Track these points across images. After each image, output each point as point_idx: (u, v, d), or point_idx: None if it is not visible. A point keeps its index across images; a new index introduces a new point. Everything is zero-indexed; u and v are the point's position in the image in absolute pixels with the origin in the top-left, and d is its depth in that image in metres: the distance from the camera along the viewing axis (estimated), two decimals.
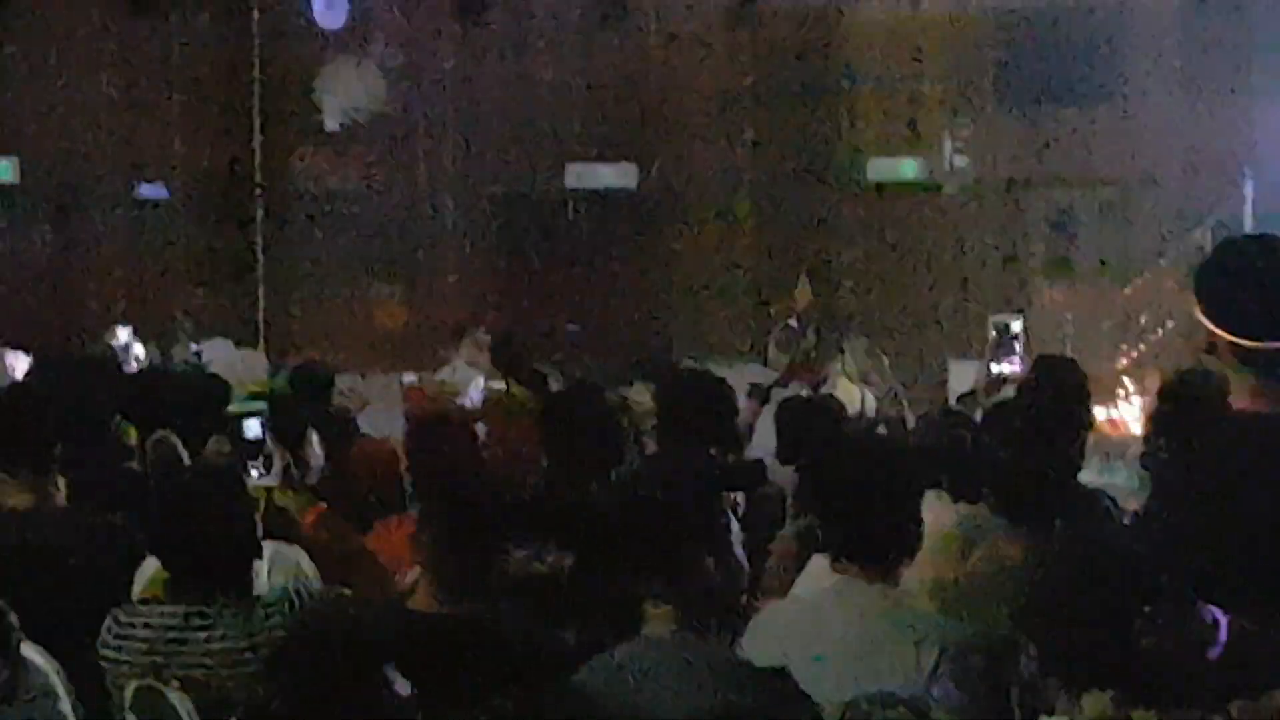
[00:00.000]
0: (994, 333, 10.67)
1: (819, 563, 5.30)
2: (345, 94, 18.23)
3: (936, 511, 5.97)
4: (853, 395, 11.31)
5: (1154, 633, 3.86)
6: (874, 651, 4.62)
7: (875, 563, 4.91)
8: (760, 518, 7.62)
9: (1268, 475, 4.51)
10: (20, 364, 12.57)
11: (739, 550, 6.14)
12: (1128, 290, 15.92)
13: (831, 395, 10.35)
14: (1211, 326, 4.65)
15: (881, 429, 10.20)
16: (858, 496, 4.98)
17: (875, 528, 4.94)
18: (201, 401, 10.68)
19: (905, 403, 11.95)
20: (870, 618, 4.78)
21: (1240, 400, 4.64)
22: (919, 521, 5.06)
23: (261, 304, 18.60)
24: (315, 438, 8.01)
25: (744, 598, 5.93)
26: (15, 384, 10.63)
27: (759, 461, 8.08)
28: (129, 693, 5.17)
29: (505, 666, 4.61)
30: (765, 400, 9.36)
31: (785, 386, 10.50)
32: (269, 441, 7.58)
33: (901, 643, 4.65)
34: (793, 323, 13.64)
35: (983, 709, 4.58)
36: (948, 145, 18.10)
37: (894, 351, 13.68)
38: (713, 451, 7.20)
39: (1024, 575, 5.21)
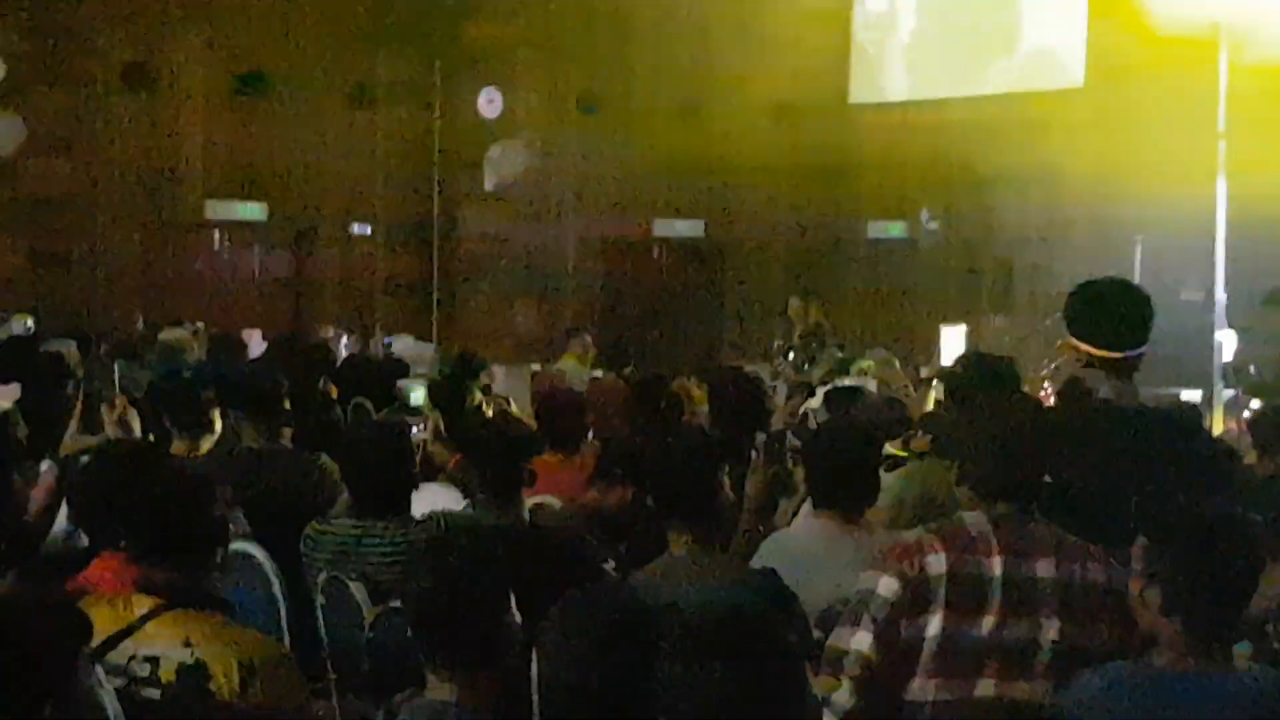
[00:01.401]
0: (940, 342, 10.72)
1: (807, 507, 5.33)
2: (500, 165, 18.29)
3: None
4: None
5: None
6: (842, 572, 4.57)
7: (847, 509, 5.00)
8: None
9: (1122, 448, 4.55)
10: (255, 340, 12.71)
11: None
12: (1048, 321, 15.82)
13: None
14: (1078, 344, 4.68)
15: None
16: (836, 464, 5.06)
17: (847, 485, 5.02)
18: (388, 378, 10.85)
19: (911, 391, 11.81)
20: (840, 549, 4.82)
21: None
22: (877, 479, 5.12)
23: (435, 312, 18.66)
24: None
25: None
26: (257, 360, 10.78)
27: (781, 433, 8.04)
28: (320, 580, 5.25)
29: (577, 573, 4.41)
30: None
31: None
32: (427, 408, 7.69)
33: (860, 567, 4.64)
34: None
35: None
36: (924, 213, 18.04)
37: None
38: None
39: None
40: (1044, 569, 3.80)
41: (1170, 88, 13.84)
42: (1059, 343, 4.77)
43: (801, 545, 4.88)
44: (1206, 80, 12.00)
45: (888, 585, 3.82)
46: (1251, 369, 10.30)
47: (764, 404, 7.69)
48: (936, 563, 3.77)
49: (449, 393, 8.48)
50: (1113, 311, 4.71)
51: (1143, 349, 4.67)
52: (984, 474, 3.93)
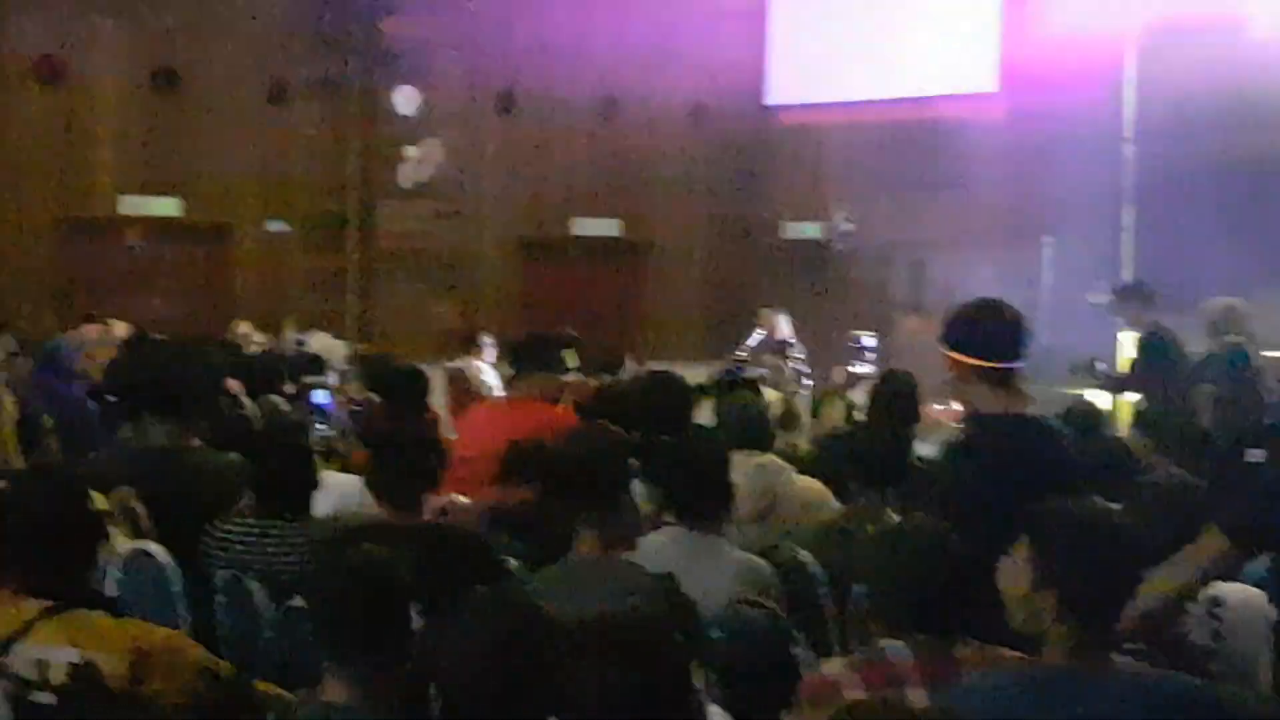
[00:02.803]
0: (853, 345, 10.77)
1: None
2: (417, 163, 18.23)
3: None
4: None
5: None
6: (702, 581, 4.58)
7: (705, 518, 4.97)
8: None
9: (1000, 454, 4.61)
10: (120, 329, 12.60)
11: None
12: None
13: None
14: (955, 355, 4.74)
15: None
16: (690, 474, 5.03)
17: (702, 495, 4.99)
18: (301, 373, 10.78)
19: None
20: (700, 558, 4.81)
21: (985, 405, 4.74)
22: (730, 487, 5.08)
23: (352, 309, 18.57)
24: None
25: None
26: (167, 357, 10.66)
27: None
28: (220, 578, 5.20)
29: (478, 574, 4.42)
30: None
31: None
32: (333, 405, 7.64)
33: (716, 572, 4.70)
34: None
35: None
36: (838, 215, 18.11)
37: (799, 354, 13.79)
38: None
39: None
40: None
41: (1079, 93, 13.98)
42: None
43: (662, 555, 4.83)
44: (1114, 86, 12.13)
45: None
46: (1100, 365, 10.47)
47: (689, 406, 7.62)
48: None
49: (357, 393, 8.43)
50: (988, 325, 4.77)
51: (1019, 362, 4.73)
52: (900, 606, 3.80)
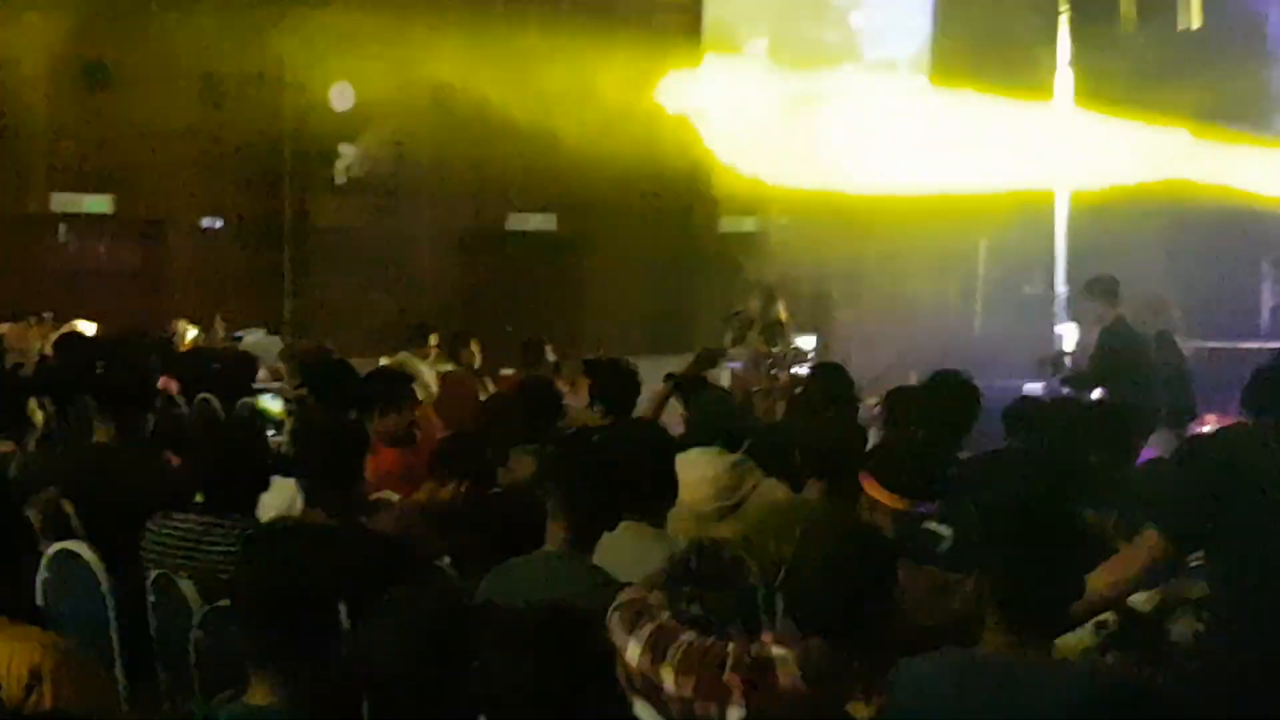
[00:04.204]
0: (793, 349, 10.76)
1: None
2: (351, 158, 18.15)
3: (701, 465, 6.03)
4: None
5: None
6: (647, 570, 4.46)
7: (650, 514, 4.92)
8: None
9: None
10: (88, 328, 12.50)
11: None
12: (897, 315, 16.04)
13: None
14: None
15: None
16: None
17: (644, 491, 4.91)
18: (235, 370, 10.69)
19: None
20: (649, 554, 4.70)
21: None
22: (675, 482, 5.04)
23: (287, 305, 18.49)
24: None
25: None
26: (102, 355, 10.56)
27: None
28: (152, 578, 5.09)
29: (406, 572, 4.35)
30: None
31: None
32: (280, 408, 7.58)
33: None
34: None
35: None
36: (774, 209, 18.12)
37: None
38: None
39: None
40: (858, 712, 3.49)
41: (1011, 95, 14.08)
42: None
43: (617, 550, 4.75)
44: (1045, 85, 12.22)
45: None
46: (1067, 360, 10.45)
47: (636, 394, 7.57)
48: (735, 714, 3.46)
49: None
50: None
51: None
52: (811, 606, 3.54)
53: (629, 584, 4.04)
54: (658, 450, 5.04)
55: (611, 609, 3.74)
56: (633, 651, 3.60)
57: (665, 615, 3.69)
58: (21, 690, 3.55)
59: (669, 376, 7.09)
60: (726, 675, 3.46)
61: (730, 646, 3.54)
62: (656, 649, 3.57)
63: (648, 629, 3.62)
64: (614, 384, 7.31)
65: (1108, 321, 9.82)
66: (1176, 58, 14.30)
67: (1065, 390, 9.70)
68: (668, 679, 3.52)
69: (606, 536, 4.78)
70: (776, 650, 3.49)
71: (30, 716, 3.51)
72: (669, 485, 4.96)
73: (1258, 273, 14.46)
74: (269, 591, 3.42)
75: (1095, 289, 10.01)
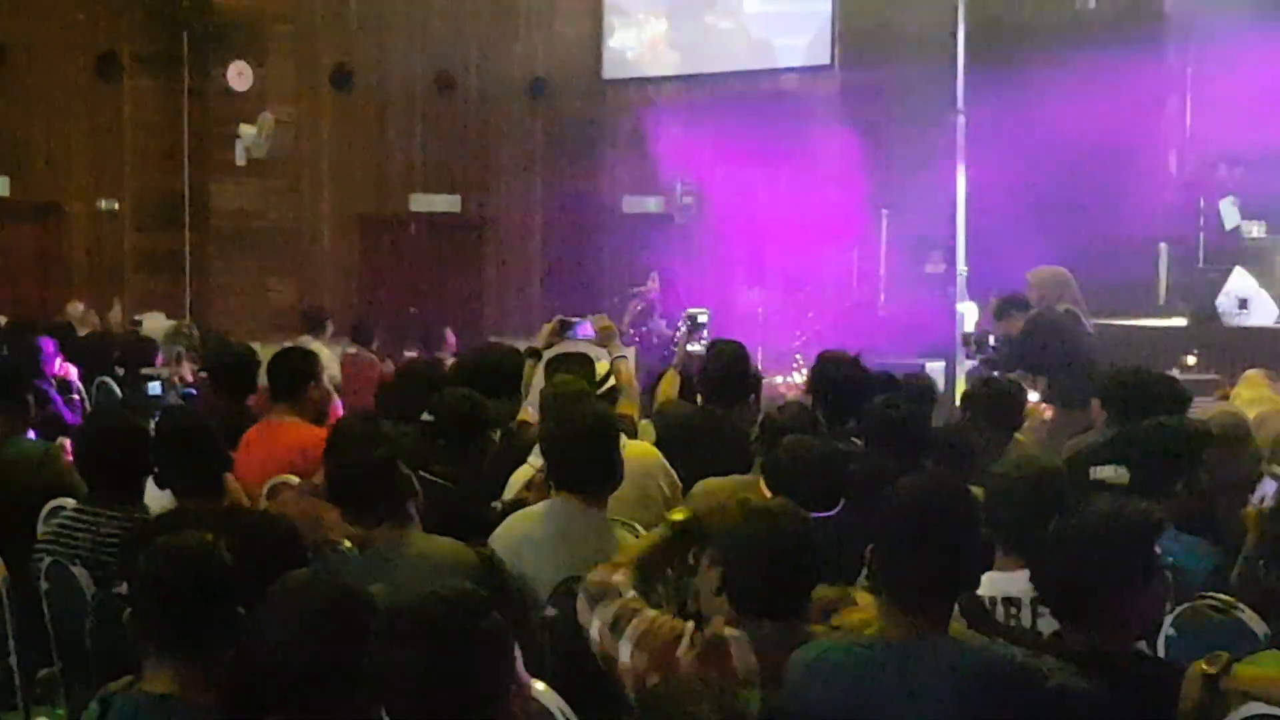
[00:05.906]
0: (688, 320, 10.75)
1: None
2: (251, 139, 17.96)
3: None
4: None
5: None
6: (576, 549, 4.61)
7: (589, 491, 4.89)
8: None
9: None
10: None
11: None
12: (799, 295, 16.10)
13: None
14: None
15: None
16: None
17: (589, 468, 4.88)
18: (134, 355, 10.55)
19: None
20: (577, 527, 4.78)
21: None
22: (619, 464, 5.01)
23: (188, 289, 18.30)
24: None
25: None
26: None
27: None
28: (45, 565, 5.06)
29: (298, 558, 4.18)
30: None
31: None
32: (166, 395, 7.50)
33: (596, 545, 4.62)
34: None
35: None
36: (678, 189, 18.11)
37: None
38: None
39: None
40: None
41: (912, 67, 14.13)
42: None
43: (538, 524, 4.82)
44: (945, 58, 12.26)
45: None
46: (991, 340, 10.44)
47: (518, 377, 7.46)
48: None
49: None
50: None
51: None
52: (751, 588, 3.64)
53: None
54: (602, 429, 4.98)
55: (580, 589, 3.97)
56: (595, 629, 3.83)
57: (630, 594, 3.88)
58: None
59: (529, 351, 7.03)
60: (680, 652, 3.61)
61: (688, 625, 3.71)
62: (616, 626, 3.77)
63: (612, 609, 3.81)
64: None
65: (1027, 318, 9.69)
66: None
67: (989, 371, 9.62)
68: (624, 653, 3.73)
69: (540, 505, 4.82)
70: (729, 631, 3.61)
71: None
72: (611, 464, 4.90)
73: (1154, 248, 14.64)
74: (163, 582, 3.43)
75: (1007, 309, 9.95)
